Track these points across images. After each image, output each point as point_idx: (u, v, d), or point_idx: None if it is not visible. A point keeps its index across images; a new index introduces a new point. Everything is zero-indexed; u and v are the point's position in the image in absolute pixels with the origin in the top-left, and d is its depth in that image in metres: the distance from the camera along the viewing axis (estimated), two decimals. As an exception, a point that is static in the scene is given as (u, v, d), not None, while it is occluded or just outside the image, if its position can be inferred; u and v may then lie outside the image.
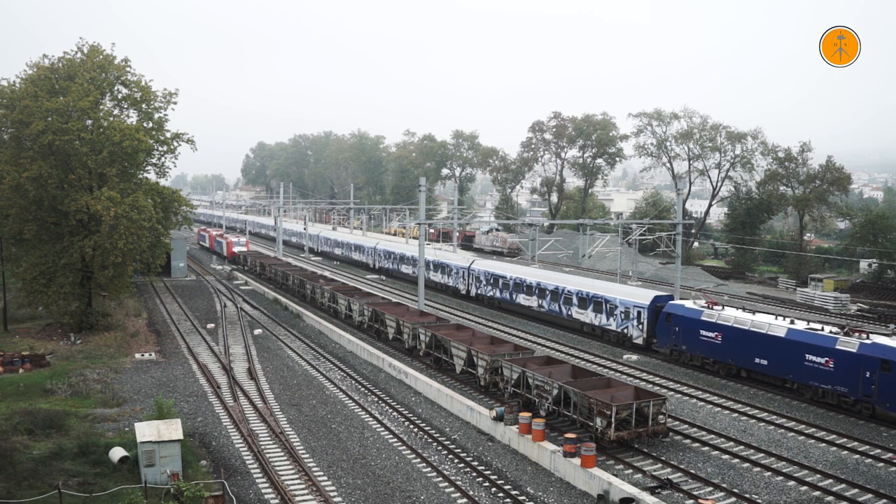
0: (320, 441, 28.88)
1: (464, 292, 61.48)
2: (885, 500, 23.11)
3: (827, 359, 31.52)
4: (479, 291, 59.16)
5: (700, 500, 22.54)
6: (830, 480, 24.44)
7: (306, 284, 60.54)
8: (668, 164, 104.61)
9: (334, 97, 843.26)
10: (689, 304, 39.86)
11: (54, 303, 45.89)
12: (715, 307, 38.01)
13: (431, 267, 65.81)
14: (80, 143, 43.88)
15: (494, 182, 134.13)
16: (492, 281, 57.10)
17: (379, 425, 30.72)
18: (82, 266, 46.17)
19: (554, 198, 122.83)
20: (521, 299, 52.91)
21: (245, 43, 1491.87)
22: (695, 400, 33.59)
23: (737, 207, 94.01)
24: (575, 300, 47.21)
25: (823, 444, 27.82)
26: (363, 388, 36.50)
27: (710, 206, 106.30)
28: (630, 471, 25.07)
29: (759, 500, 22.91)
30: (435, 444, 28.81)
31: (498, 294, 56.32)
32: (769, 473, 25.04)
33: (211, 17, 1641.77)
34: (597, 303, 45.27)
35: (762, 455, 26.66)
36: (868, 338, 30.92)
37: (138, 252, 45.37)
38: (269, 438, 28.96)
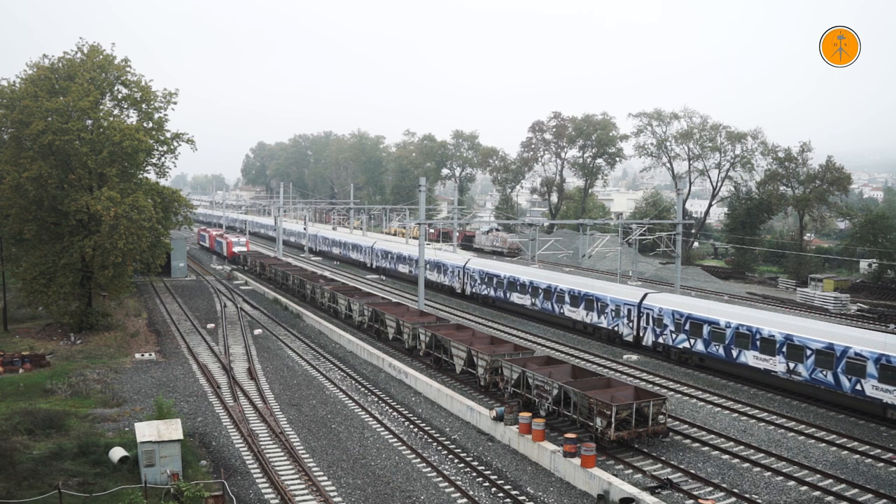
0: (320, 441, 28.89)
1: (629, 339, 42.99)
2: (885, 501, 23.11)
3: None
4: (660, 339, 40.78)
5: (700, 500, 22.53)
6: (830, 480, 24.43)
7: (306, 284, 60.54)
8: (668, 164, 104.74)
9: (334, 97, 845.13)
10: None
11: (54, 303, 45.89)
12: None
13: (567, 299, 47.95)
14: (80, 143, 43.89)
15: (494, 182, 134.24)
16: (686, 327, 38.95)
17: (379, 425, 30.72)
18: (82, 266, 46.17)
19: (554, 198, 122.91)
20: (751, 358, 35.13)
21: (245, 43, 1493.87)
22: (695, 400, 33.59)
23: (737, 207, 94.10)
24: (873, 369, 29.77)
25: (823, 444, 27.81)
26: (363, 388, 36.50)
27: (710, 206, 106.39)
28: (630, 471, 25.07)
29: (759, 500, 22.91)
30: (435, 444, 28.81)
31: (701, 347, 38.06)
32: (769, 473, 25.04)
33: (211, 16, 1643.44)
34: None
35: (762, 455, 26.65)
36: None
37: (138, 252, 45.39)
38: (269, 438, 28.96)
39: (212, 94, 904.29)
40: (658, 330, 40.78)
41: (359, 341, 44.59)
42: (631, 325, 42.72)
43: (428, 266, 65.66)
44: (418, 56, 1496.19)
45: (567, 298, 48.02)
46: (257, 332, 49.43)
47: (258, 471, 25.74)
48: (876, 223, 76.31)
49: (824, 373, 31.92)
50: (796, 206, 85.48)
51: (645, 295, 42.74)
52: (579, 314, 47.00)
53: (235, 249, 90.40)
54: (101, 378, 37.03)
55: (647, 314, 41.55)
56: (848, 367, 30.89)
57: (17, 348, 42.59)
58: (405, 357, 41.15)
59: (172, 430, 24.34)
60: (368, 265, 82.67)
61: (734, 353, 36.17)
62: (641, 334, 42.12)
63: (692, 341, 38.61)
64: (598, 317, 45.25)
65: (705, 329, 37.73)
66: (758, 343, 34.76)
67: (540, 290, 50.76)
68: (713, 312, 38.22)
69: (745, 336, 35.37)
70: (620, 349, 43.23)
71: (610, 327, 44.37)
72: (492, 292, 57.03)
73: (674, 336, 39.78)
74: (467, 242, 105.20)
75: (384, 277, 77.96)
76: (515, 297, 53.59)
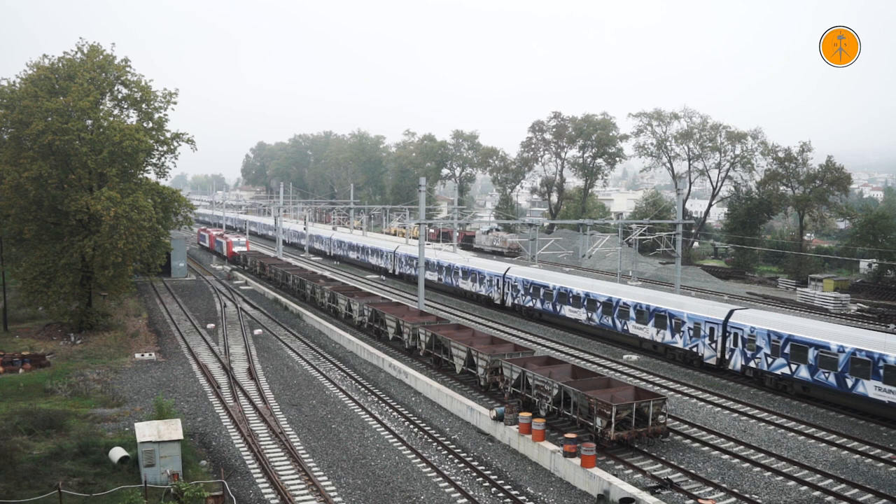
0: (320, 441, 28.89)
1: (711, 361, 37.61)
2: (885, 501, 23.11)
3: None
4: (751, 364, 35.40)
5: (700, 500, 22.54)
6: (830, 480, 24.44)
7: (306, 284, 60.55)
8: (668, 164, 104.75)
9: (333, 97, 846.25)
10: None
11: (54, 303, 45.92)
12: None
13: (632, 314, 42.13)
14: (80, 143, 43.92)
15: (494, 182, 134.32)
16: (786, 350, 33.86)
17: (379, 425, 30.73)
18: (82, 266, 46.19)
19: (554, 198, 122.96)
20: (871, 389, 30.35)
21: (243, 42, 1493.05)
22: (695, 400, 33.59)
23: (737, 207, 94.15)
24: None
25: (823, 444, 27.82)
26: (363, 388, 36.51)
27: (710, 206, 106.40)
28: (630, 471, 25.08)
29: (759, 500, 22.92)
30: (435, 444, 28.82)
31: (806, 374, 32.99)
32: (769, 473, 25.04)
33: (209, 14, 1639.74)
34: None
35: (762, 455, 26.66)
36: None
37: (138, 252, 45.41)
38: (269, 438, 28.97)
39: (211, 94, 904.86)
40: (749, 353, 35.40)
41: (359, 341, 44.60)
42: (714, 345, 37.31)
43: (461, 273, 61.86)
44: (417, 57, 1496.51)
45: (632, 314, 42.27)
46: (257, 332, 49.44)
47: (258, 471, 25.75)
48: (876, 223, 76.30)
49: None
50: (796, 206, 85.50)
51: (731, 312, 37.30)
52: (647, 332, 41.28)
53: (235, 249, 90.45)
54: (101, 378, 37.04)
55: (735, 334, 36.19)
56: None
57: (17, 348, 42.59)
58: (405, 357, 41.15)
59: (172, 430, 24.35)
60: (391, 272, 76.12)
61: (849, 382, 31.08)
62: (727, 357, 36.73)
63: (793, 367, 33.41)
64: (672, 336, 39.68)
65: (811, 353, 32.54)
66: (881, 371, 29.84)
67: (598, 304, 44.90)
68: (821, 334, 32.89)
69: (865, 363, 30.40)
70: (619, 350, 43.24)
71: (687, 348, 38.90)
72: (538, 304, 51.11)
73: (769, 360, 34.43)
74: (467, 242, 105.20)
75: (384, 277, 77.96)
76: (567, 311, 47.86)
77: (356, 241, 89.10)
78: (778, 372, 34.27)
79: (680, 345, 39.50)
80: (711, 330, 37.57)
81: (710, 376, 37.58)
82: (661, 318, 40.54)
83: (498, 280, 56.15)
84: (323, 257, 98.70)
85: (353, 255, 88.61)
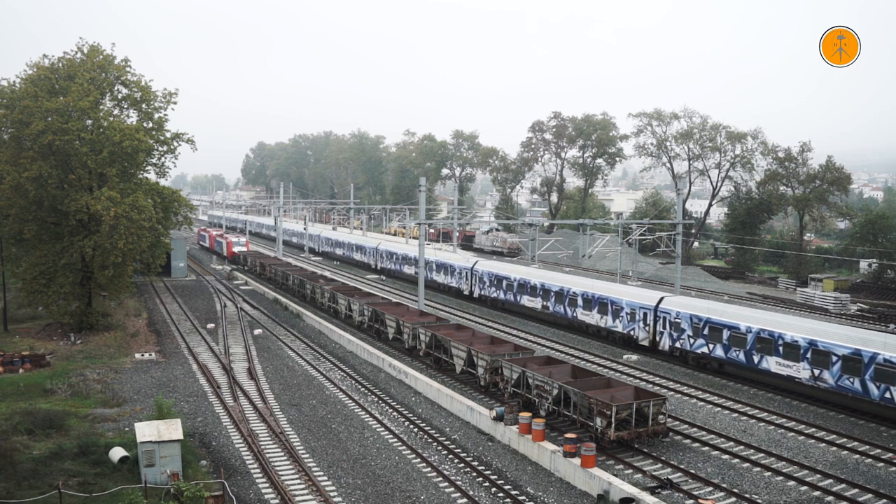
0: (320, 441, 28.90)
1: None
2: (885, 501, 23.11)
3: None
4: None
5: (700, 500, 22.54)
6: (830, 480, 24.44)
7: (306, 284, 60.56)
8: (668, 164, 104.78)
9: (333, 97, 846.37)
10: None
11: (54, 303, 45.92)
12: None
13: None
14: (80, 143, 43.92)
15: (494, 182, 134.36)
16: None
17: (379, 425, 30.73)
18: (82, 266, 46.19)
19: (554, 198, 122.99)
20: None
21: (242, 41, 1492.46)
22: (695, 400, 33.58)
23: (737, 207, 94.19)
24: None
25: (823, 444, 27.82)
26: (363, 388, 36.51)
27: (710, 206, 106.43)
28: (630, 471, 25.08)
29: (759, 500, 22.91)
30: (435, 444, 28.82)
31: None
32: (769, 473, 25.04)
33: (208, 14, 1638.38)
34: None
35: (762, 455, 26.66)
36: None
37: (138, 252, 45.41)
38: (269, 438, 28.97)
39: (210, 93, 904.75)
40: None
41: (359, 341, 44.60)
42: None
43: (580, 301, 46.91)
44: (417, 57, 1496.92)
45: None
46: (257, 332, 49.44)
47: (258, 471, 25.75)
48: (876, 223, 76.33)
49: None
50: (796, 206, 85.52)
51: None
52: None
53: (235, 249, 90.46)
54: (101, 378, 37.05)
55: None
56: None
57: (17, 348, 42.59)
58: (405, 357, 41.15)
59: (172, 430, 24.35)
60: (467, 293, 61.33)
61: None
62: None
63: None
64: None
65: None
66: None
67: (834, 357, 31.32)
68: None
69: None
70: (619, 350, 43.18)
71: None
72: (719, 351, 36.98)
73: None
74: (467, 242, 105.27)
75: (384, 277, 77.90)
76: (774, 364, 33.89)
77: (413, 252, 69.10)
78: None
79: None
80: None
81: (710, 376, 37.55)
82: None
83: (646, 314, 41.76)
84: (369, 270, 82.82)
85: (408, 269, 71.95)
